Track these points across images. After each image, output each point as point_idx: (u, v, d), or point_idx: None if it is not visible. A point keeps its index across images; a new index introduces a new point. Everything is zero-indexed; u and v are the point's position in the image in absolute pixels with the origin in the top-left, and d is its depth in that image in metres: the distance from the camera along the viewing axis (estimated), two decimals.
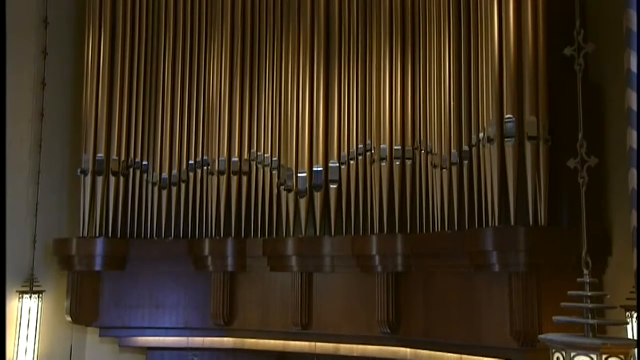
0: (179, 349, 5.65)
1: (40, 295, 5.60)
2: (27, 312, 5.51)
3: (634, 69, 3.00)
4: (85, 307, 5.57)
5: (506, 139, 3.91)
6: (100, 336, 5.82)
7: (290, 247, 5.08)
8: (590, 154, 2.98)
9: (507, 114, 3.93)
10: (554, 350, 2.82)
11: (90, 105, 5.71)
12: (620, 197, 3.83)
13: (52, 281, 5.78)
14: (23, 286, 5.57)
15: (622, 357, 2.68)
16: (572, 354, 2.71)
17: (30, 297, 5.54)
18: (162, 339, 5.64)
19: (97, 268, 5.54)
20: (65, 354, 5.72)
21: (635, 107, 2.97)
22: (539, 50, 3.95)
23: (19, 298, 5.53)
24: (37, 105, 5.88)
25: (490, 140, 3.97)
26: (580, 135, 2.99)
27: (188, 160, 5.70)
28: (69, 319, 5.59)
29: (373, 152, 4.90)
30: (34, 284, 5.60)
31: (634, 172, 2.93)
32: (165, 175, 5.69)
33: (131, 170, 5.75)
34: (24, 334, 5.48)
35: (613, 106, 4.05)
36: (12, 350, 5.46)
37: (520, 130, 3.90)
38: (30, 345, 5.49)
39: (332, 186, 5.08)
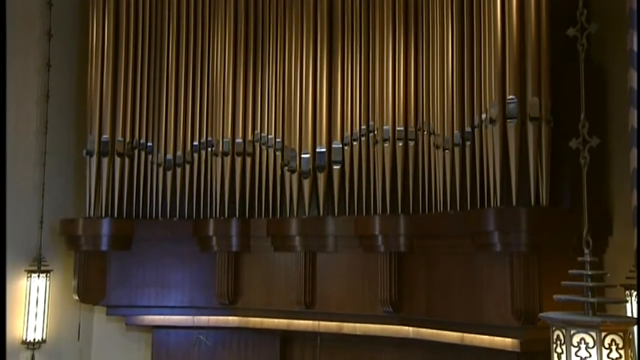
0: (184, 327, 5.72)
1: (48, 274, 5.67)
2: (35, 290, 5.59)
3: (636, 48, 3.00)
4: (92, 286, 5.64)
5: (508, 120, 3.93)
6: (107, 315, 5.90)
7: (294, 227, 5.12)
8: (592, 134, 3.00)
9: (509, 95, 3.94)
10: (554, 328, 2.86)
11: (95, 86, 5.73)
12: (621, 177, 3.85)
13: (59, 260, 5.85)
14: (31, 265, 5.65)
15: (620, 334, 2.73)
16: (572, 332, 2.75)
17: (39, 276, 5.62)
18: (167, 317, 5.71)
19: (103, 248, 5.60)
20: (73, 332, 5.79)
21: (636, 87, 2.98)
22: (541, 30, 3.94)
23: (27, 277, 5.61)
24: (42, 86, 5.90)
25: (492, 121, 3.98)
26: (582, 116, 3.00)
27: (192, 141, 5.72)
28: (76, 297, 5.66)
29: (376, 133, 4.91)
30: (42, 263, 5.67)
31: (635, 151, 2.95)
32: (169, 156, 5.72)
33: (136, 151, 5.78)
34: (32, 311, 5.57)
35: (615, 86, 4.05)
36: (22, 328, 5.55)
37: (523, 111, 3.92)
38: (39, 322, 5.58)
39: (335, 167, 5.11)
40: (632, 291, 3.52)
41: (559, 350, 2.79)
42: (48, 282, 5.66)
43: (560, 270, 3.15)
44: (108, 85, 5.73)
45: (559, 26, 3.38)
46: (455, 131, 4.35)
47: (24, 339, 5.55)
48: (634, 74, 2.98)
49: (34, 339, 5.58)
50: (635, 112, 2.96)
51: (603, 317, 2.81)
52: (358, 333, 5.06)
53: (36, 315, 5.58)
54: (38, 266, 5.65)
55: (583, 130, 3.00)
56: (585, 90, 3.03)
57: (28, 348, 5.58)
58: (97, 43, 5.77)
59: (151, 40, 5.93)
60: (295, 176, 5.22)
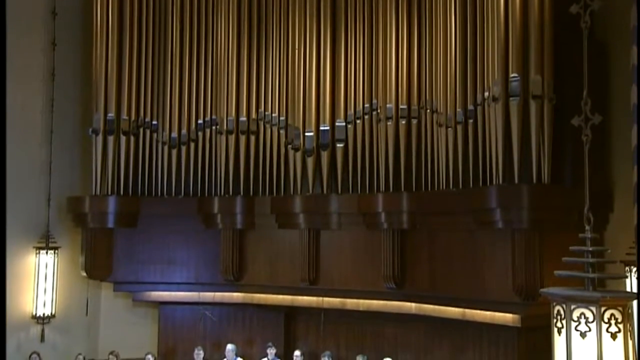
0: (190, 303, 5.80)
1: (56, 251, 5.75)
2: (44, 266, 5.67)
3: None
4: (99, 262, 5.71)
5: (511, 98, 3.95)
6: (114, 291, 5.98)
7: (298, 204, 5.17)
8: (594, 112, 3.01)
9: (511, 73, 3.95)
10: (554, 303, 2.88)
11: (100, 65, 5.74)
12: (622, 154, 3.87)
13: (67, 237, 5.92)
14: (39, 242, 5.72)
15: (620, 309, 2.74)
16: (572, 307, 2.77)
17: (47, 252, 5.69)
18: (174, 293, 5.80)
19: (110, 225, 5.66)
20: (82, 307, 5.87)
21: (638, 64, 2.98)
22: (544, 8, 3.94)
23: (36, 254, 5.68)
24: (47, 65, 5.90)
25: (495, 99, 4.00)
26: (585, 93, 3.00)
27: (197, 119, 5.75)
28: (84, 273, 5.74)
29: (379, 111, 4.93)
30: (50, 240, 5.74)
31: (636, 128, 2.97)
32: (174, 134, 5.75)
33: (141, 130, 5.80)
34: (41, 287, 5.66)
35: (618, 64, 4.05)
36: (31, 303, 5.65)
37: (525, 89, 3.93)
38: (48, 298, 5.68)
39: (338, 145, 5.14)
40: (632, 267, 3.56)
41: (559, 325, 2.82)
42: (56, 259, 5.74)
43: (561, 246, 3.17)
44: (113, 64, 5.74)
45: (562, 3, 3.38)
46: (458, 109, 4.37)
47: (34, 313, 5.65)
48: (636, 51, 2.99)
49: (44, 314, 5.68)
50: (637, 89, 2.96)
51: (603, 293, 2.82)
52: (361, 309, 5.13)
53: (45, 291, 5.67)
54: (46, 243, 5.72)
55: (585, 108, 3.00)
56: (588, 67, 3.03)
57: (38, 322, 5.69)
58: (102, 22, 5.76)
59: (155, 19, 5.92)
60: (299, 154, 5.25)
